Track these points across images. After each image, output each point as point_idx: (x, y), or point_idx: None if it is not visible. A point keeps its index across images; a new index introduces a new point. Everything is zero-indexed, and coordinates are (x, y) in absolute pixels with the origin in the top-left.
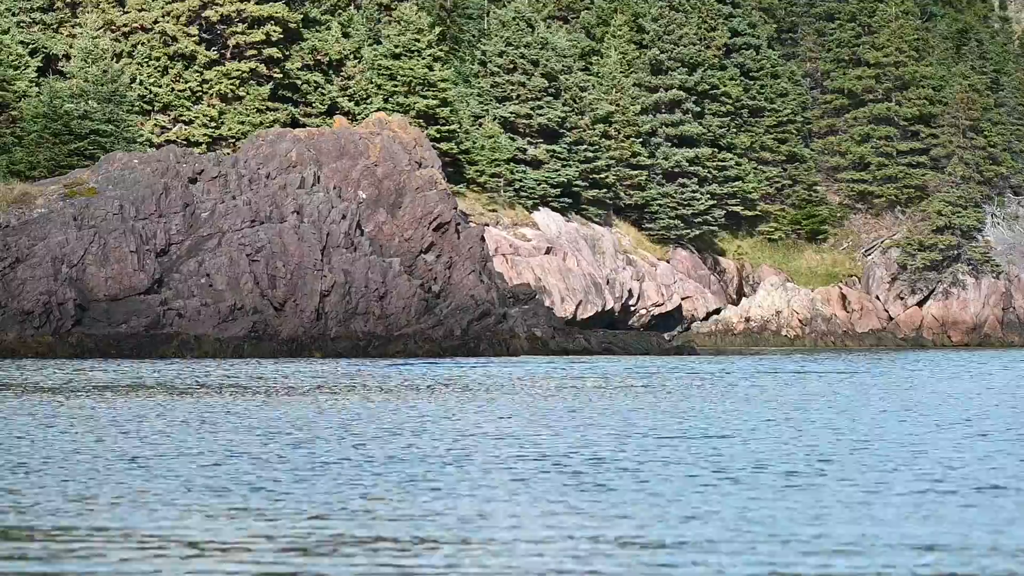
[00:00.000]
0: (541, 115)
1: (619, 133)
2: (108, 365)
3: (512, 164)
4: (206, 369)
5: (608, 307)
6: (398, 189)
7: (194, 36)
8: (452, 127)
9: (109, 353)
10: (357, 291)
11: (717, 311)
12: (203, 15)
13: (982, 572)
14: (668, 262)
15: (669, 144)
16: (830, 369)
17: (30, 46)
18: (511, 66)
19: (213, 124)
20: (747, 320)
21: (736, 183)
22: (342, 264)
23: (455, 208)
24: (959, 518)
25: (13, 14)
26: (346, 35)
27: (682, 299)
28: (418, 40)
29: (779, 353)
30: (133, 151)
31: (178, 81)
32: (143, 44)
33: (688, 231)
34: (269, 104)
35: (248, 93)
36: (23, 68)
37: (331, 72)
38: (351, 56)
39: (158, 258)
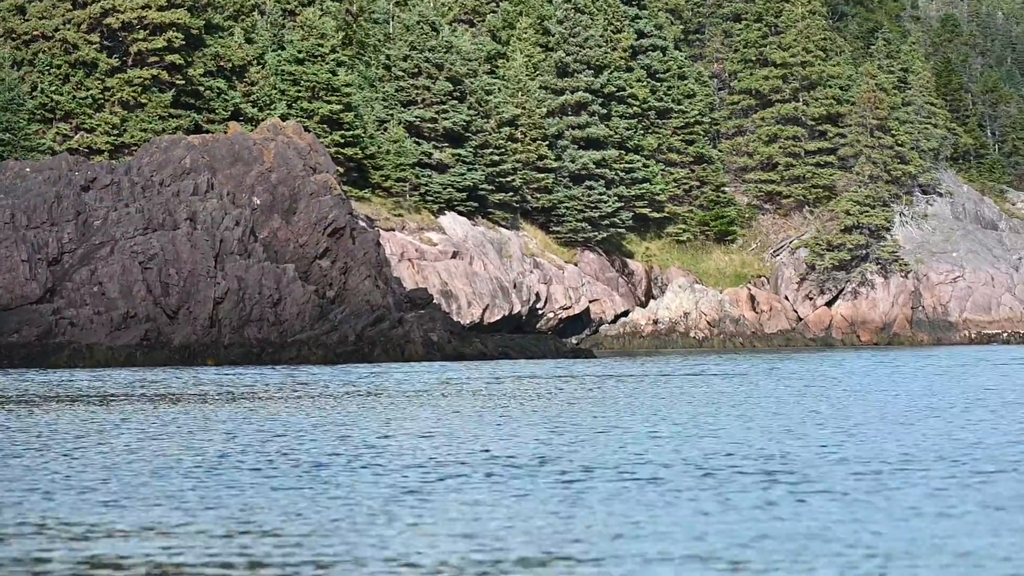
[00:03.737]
0: (446, 119)
1: (525, 136)
2: None
3: (417, 168)
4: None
5: (515, 311)
6: (293, 195)
7: (95, 43)
8: (357, 132)
9: (0, 364)
10: (251, 298)
11: (625, 313)
12: (104, 22)
13: None
14: (576, 265)
15: (576, 146)
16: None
17: None
18: (416, 70)
19: (115, 132)
20: (655, 322)
21: (644, 185)
22: (236, 271)
23: (350, 213)
24: None
25: None
26: (249, 41)
27: (590, 302)
28: (322, 45)
29: (676, 356)
30: (28, 160)
31: (79, 89)
32: (44, 52)
33: (596, 233)
34: (172, 111)
35: (150, 100)
36: None
37: (234, 78)
38: (254, 62)
39: (50, 267)
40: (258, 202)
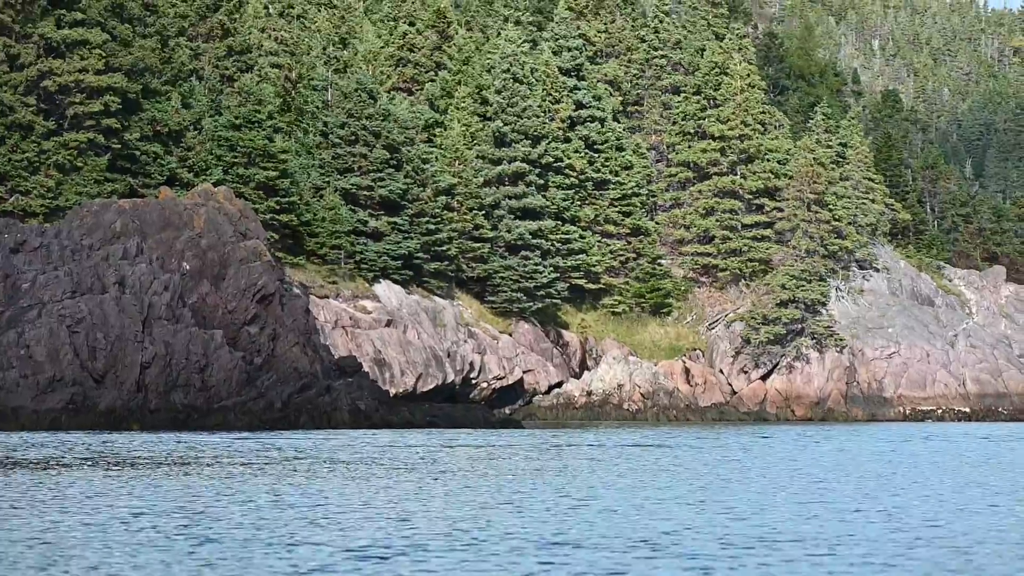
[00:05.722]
0: (383, 187)
1: (461, 205)
2: None
3: (353, 236)
4: None
5: (449, 380)
6: (222, 260)
7: (32, 106)
8: (292, 199)
9: None
10: (178, 363)
11: (559, 384)
12: (41, 85)
13: None
14: (510, 335)
15: (512, 216)
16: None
17: None
18: (353, 137)
19: (51, 195)
20: (589, 394)
21: (580, 256)
22: (163, 336)
23: (280, 280)
24: None
25: None
26: (186, 106)
27: (524, 372)
28: (259, 111)
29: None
30: None
31: (15, 151)
32: None
33: (531, 304)
34: (108, 175)
35: (86, 164)
36: None
37: (171, 143)
38: (191, 127)
39: None
40: (187, 267)
